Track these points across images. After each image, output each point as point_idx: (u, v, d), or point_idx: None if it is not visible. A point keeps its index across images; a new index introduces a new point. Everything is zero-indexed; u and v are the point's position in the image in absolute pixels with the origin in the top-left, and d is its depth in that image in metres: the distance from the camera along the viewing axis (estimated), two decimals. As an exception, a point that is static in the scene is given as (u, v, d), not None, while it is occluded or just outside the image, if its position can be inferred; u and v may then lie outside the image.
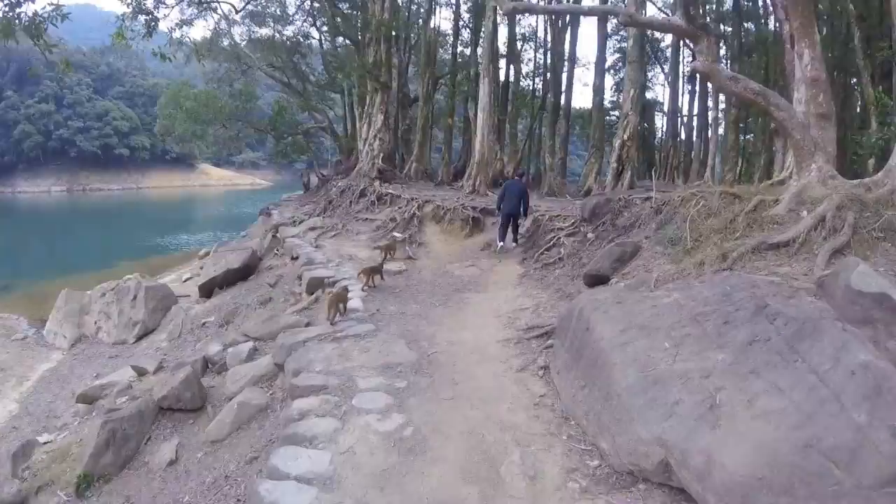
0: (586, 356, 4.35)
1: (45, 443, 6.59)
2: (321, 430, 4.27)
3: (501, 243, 10.84)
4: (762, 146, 14.58)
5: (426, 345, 6.06)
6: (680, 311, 4.25)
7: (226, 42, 24.66)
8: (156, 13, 12.52)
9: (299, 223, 16.39)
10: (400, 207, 14.32)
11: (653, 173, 11.52)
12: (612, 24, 20.24)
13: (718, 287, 4.38)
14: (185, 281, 15.55)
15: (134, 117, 67.25)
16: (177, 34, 18.08)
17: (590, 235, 9.16)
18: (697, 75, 22.99)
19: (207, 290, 12.15)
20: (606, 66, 21.50)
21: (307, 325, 7.80)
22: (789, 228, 5.50)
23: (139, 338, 10.88)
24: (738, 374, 3.57)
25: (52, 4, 8.98)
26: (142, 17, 12.36)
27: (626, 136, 13.04)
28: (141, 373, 8.02)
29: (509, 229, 10.94)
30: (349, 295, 8.13)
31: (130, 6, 11.00)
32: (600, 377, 4.06)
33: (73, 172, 65.14)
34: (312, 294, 9.49)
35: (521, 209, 10.76)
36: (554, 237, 9.91)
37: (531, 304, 7.39)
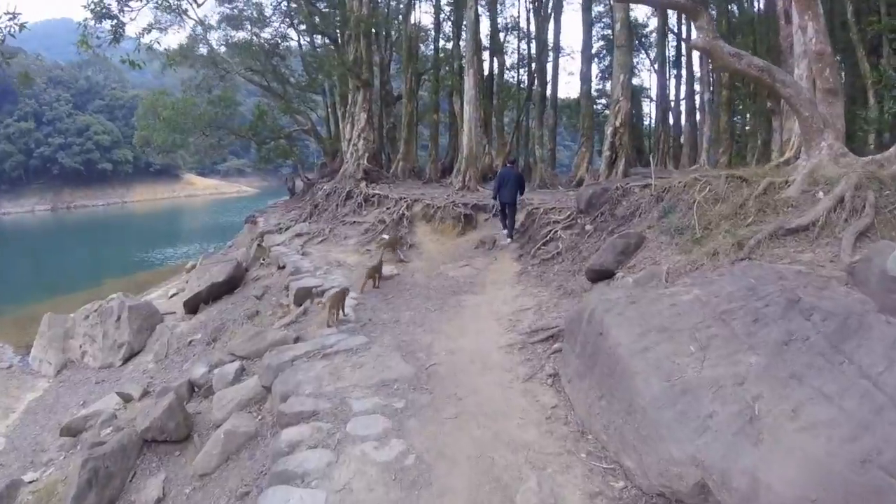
0: (602, 363, 3.95)
1: (30, 482, 6.35)
2: (313, 464, 3.83)
3: (509, 239, 10.55)
4: (759, 127, 14.26)
5: (423, 356, 5.63)
6: (703, 308, 3.86)
7: (203, 49, 24.13)
8: (121, 17, 11.95)
9: (285, 230, 15.89)
10: (388, 208, 13.86)
11: (650, 159, 11.13)
12: (597, 9, 19.90)
13: (742, 280, 3.99)
14: (171, 297, 15.03)
15: (115, 131, 65.99)
16: (146, 39, 17.37)
17: (588, 227, 8.77)
18: (683, 59, 22.74)
19: (193, 307, 11.71)
20: (592, 52, 21.07)
21: (296, 340, 7.37)
22: (806, 211, 5.14)
23: (126, 360, 10.48)
24: (776, 380, 3.18)
25: (7, 14, 8.46)
26: (107, 23, 11.82)
27: (617, 123, 12.66)
28: (127, 399, 7.69)
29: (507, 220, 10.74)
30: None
31: (92, 10, 10.43)
32: (620, 387, 3.66)
33: (56, 190, 63.81)
34: (301, 305, 9.04)
35: (519, 195, 10.62)
36: (550, 231, 9.52)
37: (532, 303, 6.98)
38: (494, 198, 10.85)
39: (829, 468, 2.67)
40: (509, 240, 10.54)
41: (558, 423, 4.19)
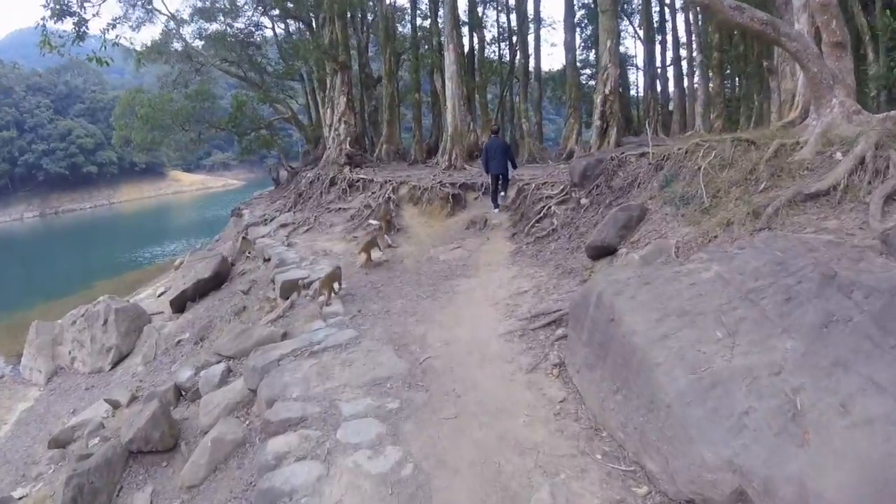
0: (615, 353, 3.55)
1: (20, 498, 6.18)
2: (302, 479, 3.43)
3: (497, 209, 10.37)
4: (753, 89, 13.82)
5: (417, 349, 5.22)
6: (726, 287, 3.46)
7: (177, 44, 23.69)
8: (82, 13, 11.18)
9: (270, 221, 15.36)
10: (373, 192, 13.32)
11: (646, 127, 10.62)
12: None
13: (767, 253, 3.59)
14: (159, 296, 14.57)
15: (98, 133, 65.59)
16: (111, 35, 16.45)
17: (583, 201, 8.36)
18: (668, 24, 22.14)
19: (179, 305, 11.34)
20: (574, 20, 20.41)
21: (283, 335, 7.01)
22: (825, 174, 4.75)
23: (115, 364, 10.21)
24: (817, 368, 2.81)
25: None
26: (69, 21, 11.09)
27: (607, 91, 12.13)
28: (115, 406, 7.36)
29: (499, 193, 10.53)
30: (325, 298, 7.36)
31: (51, 9, 9.71)
32: (638, 381, 3.27)
33: (43, 196, 63.70)
34: (287, 298, 8.62)
35: (510, 164, 10.46)
36: (544, 206, 9.08)
37: (530, 285, 6.57)
38: (487, 171, 10.60)
39: (890, 472, 2.31)
40: (496, 209, 10.35)
41: (568, 419, 3.81)
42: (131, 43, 17.65)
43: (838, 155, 4.92)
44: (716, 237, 4.66)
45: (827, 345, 2.88)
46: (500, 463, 3.41)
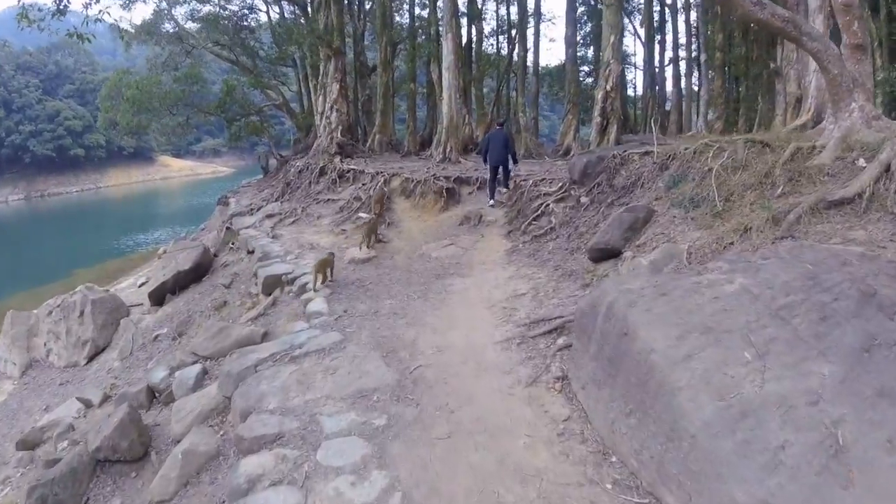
0: (628, 371, 3.22)
1: None
2: (276, 509, 3.07)
3: (492, 201, 10.14)
4: (758, 91, 13.57)
5: (407, 356, 4.85)
6: (753, 303, 3.14)
7: (168, 25, 23.29)
8: None
9: (256, 211, 14.86)
10: (364, 184, 12.89)
11: (651, 124, 10.30)
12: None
13: (795, 265, 3.28)
14: (140, 286, 14.10)
15: (87, 115, 63.72)
16: (93, 10, 15.71)
17: (583, 200, 8.03)
18: (668, 25, 21.85)
19: (158, 297, 10.86)
20: (576, 14, 20.05)
21: (264, 335, 6.65)
22: (848, 181, 4.46)
23: (90, 358, 9.83)
24: (860, 398, 2.50)
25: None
26: None
27: (608, 87, 11.78)
28: (87, 405, 7.06)
29: (497, 187, 10.31)
30: (311, 296, 6.99)
31: None
32: (657, 405, 2.94)
33: (29, 179, 61.93)
34: (270, 294, 8.25)
35: (510, 157, 10.19)
36: (541, 204, 8.75)
37: (527, 287, 6.23)
38: (485, 161, 10.34)
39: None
40: (491, 202, 10.11)
41: (573, 440, 3.48)
42: (115, 20, 16.92)
43: (861, 161, 4.63)
44: (731, 244, 4.34)
45: (869, 371, 2.58)
46: (500, 492, 3.06)
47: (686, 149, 6.69)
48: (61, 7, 11.19)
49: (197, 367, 6.18)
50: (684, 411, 2.77)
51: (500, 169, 10.17)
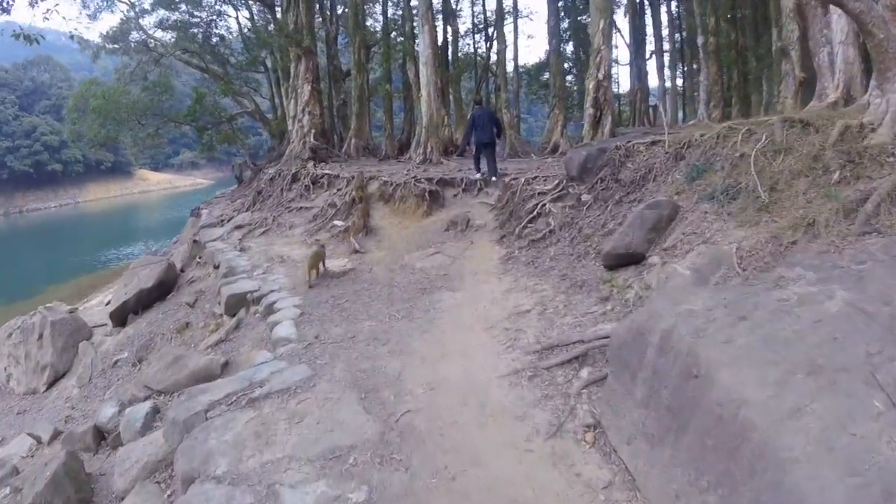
0: (702, 428, 2.29)
1: None
2: None
3: (479, 173, 9.88)
4: (763, 74, 12.89)
5: (391, 397, 3.86)
6: (869, 325, 2.24)
7: (136, 34, 22.65)
8: None
9: (227, 221, 13.76)
10: (339, 190, 11.85)
11: (662, 112, 9.46)
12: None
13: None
14: (107, 304, 12.94)
15: (63, 130, 63.06)
16: (40, 9, 14.50)
17: (585, 198, 7.14)
18: (648, 13, 21.24)
19: (120, 318, 9.90)
20: (558, 4, 19.33)
21: (224, 366, 5.76)
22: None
23: (50, 384, 9.01)
24: None
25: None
26: None
27: (600, 75, 10.94)
28: (38, 441, 6.40)
29: (483, 160, 9.96)
30: (277, 317, 6.01)
31: None
32: (756, 482, 2.01)
33: (7, 195, 61.35)
34: (234, 315, 7.27)
35: (496, 134, 9.89)
36: (536, 204, 7.82)
37: (532, 302, 5.29)
38: (468, 143, 10.09)
39: None
40: (479, 175, 9.80)
41: (621, 521, 2.54)
42: (74, 30, 15.97)
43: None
44: (794, 243, 3.46)
45: None
46: None
47: (703, 135, 5.84)
48: (4, 5, 10.15)
49: (147, 405, 5.34)
50: (803, 493, 1.84)
51: (486, 148, 9.75)
